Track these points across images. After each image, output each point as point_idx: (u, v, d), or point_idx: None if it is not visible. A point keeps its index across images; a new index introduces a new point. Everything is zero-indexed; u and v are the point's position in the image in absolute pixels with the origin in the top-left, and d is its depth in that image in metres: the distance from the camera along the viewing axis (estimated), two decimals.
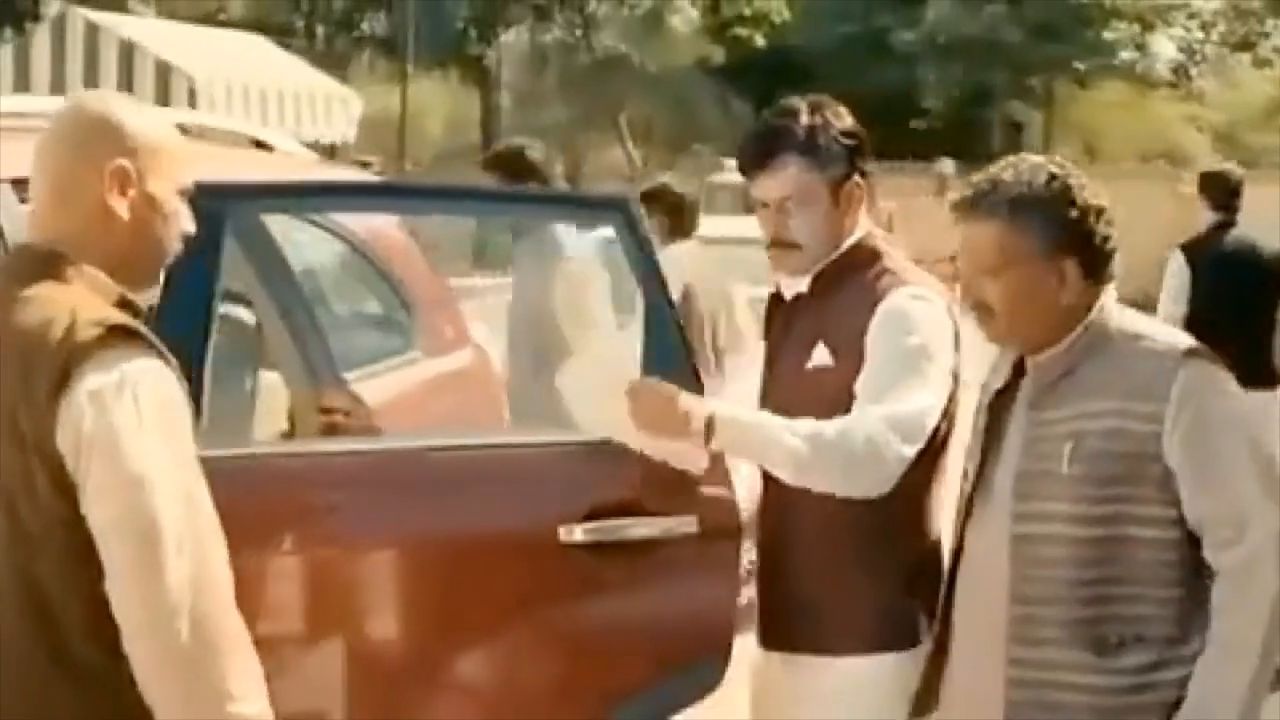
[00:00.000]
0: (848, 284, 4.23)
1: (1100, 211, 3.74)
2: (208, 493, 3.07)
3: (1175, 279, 9.63)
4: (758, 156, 4.24)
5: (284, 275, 5.47)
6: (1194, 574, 3.62)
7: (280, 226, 5.62)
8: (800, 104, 4.28)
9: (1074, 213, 3.70)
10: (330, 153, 19.96)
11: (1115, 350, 3.70)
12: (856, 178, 4.25)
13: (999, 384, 3.88)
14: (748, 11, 40.68)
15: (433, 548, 4.35)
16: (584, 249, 6.11)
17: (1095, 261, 3.73)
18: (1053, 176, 3.74)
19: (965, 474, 3.91)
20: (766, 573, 4.35)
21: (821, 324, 4.23)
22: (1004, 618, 3.71)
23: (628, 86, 37.67)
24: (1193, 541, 3.63)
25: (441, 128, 40.09)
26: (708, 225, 9.32)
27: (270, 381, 5.59)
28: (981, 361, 4.09)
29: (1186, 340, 3.73)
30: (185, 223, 3.34)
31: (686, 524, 4.45)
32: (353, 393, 5.45)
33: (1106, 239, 3.75)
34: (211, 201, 4.34)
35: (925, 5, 38.11)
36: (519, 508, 4.40)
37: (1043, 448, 3.71)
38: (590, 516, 4.39)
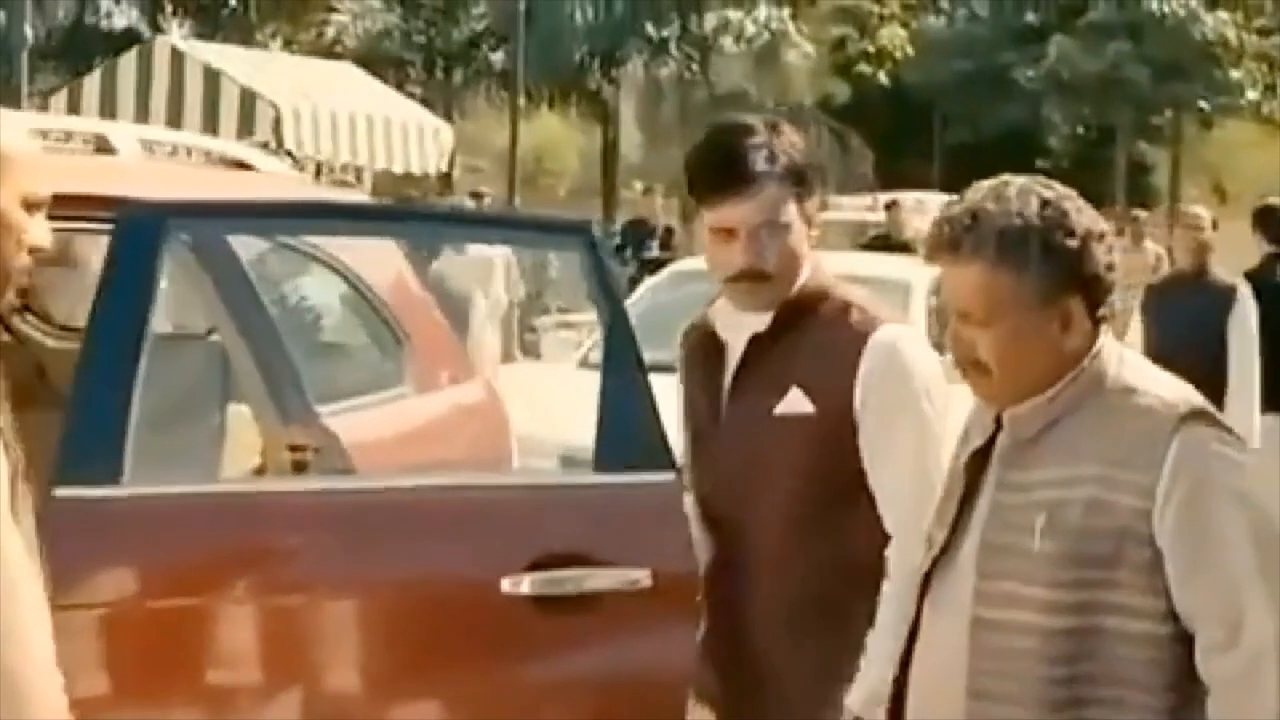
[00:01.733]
0: (812, 320, 3.92)
1: (1102, 236, 3.14)
2: (16, 542, 2.73)
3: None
4: (734, 179, 3.86)
5: (251, 301, 5.16)
6: (1189, 678, 3.05)
7: (256, 252, 5.32)
8: (757, 122, 3.97)
9: (1074, 242, 3.10)
10: (422, 183, 19.77)
11: (1106, 405, 3.12)
12: (814, 200, 3.95)
13: (979, 439, 3.31)
14: (870, 48, 40.29)
15: (362, 598, 4.06)
16: None
17: (1100, 296, 3.15)
18: (1045, 202, 3.12)
19: (930, 540, 3.35)
20: (720, 635, 4.01)
21: (791, 366, 3.90)
22: (960, 716, 3.18)
23: None
24: (1187, 639, 3.06)
25: (561, 162, 39.94)
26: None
27: (240, 414, 5.28)
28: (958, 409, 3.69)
29: (1190, 399, 3.13)
30: (35, 236, 3.00)
31: (639, 576, 4.09)
32: (325, 428, 5.13)
33: (1110, 268, 3.15)
34: (143, 219, 4.12)
35: (1047, 42, 37.57)
36: (459, 556, 4.09)
37: (1011, 517, 3.13)
38: (536, 566, 4.05)
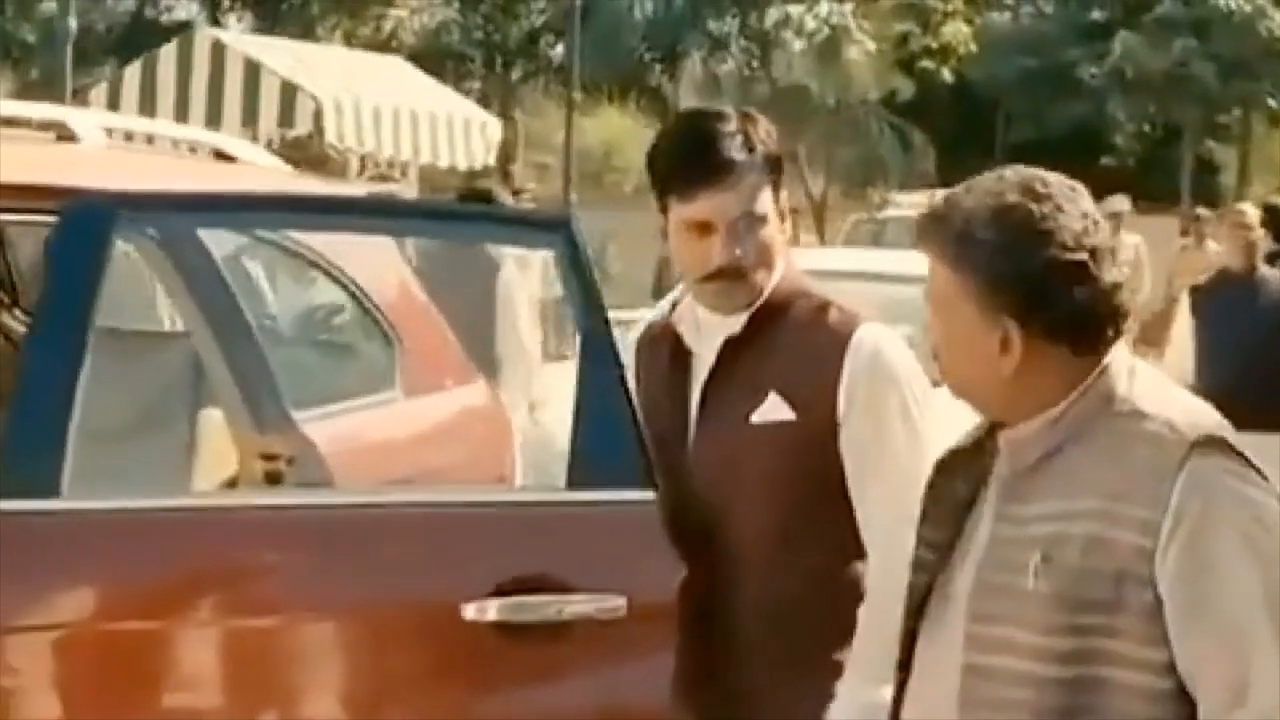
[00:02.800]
0: (788, 321, 3.69)
1: (1077, 265, 2.75)
2: None
3: None
4: (712, 169, 3.62)
5: (224, 299, 4.85)
6: None
7: (231, 247, 5.03)
8: (727, 110, 3.74)
9: (1032, 260, 2.74)
10: (471, 178, 19.48)
11: (1112, 430, 2.78)
12: (784, 193, 3.74)
13: (965, 442, 3.00)
14: (934, 44, 39.92)
15: (309, 625, 3.75)
16: None
17: (1064, 325, 2.78)
18: (1012, 206, 2.76)
19: (917, 562, 2.99)
20: (692, 659, 3.73)
21: (768, 370, 3.67)
22: None
23: (806, 119, 37.02)
24: (1192, 696, 2.73)
25: (628, 158, 39.71)
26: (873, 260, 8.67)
27: (214, 421, 4.98)
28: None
29: (1206, 423, 2.79)
30: None
31: (614, 603, 3.76)
32: (301, 435, 4.82)
33: (1091, 297, 2.77)
34: (86, 211, 3.84)
35: (1112, 39, 37.13)
36: (416, 579, 3.77)
37: (1007, 554, 2.81)
38: (501, 591, 3.72)
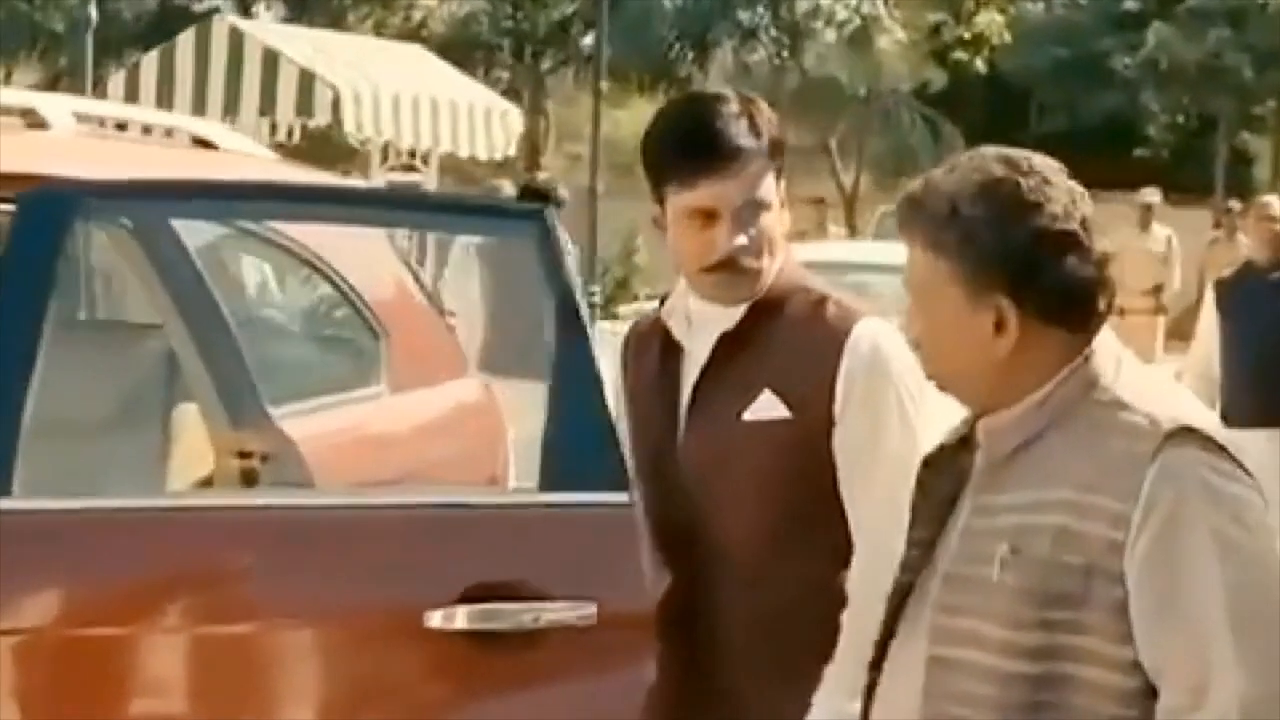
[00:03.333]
0: (785, 316, 3.55)
1: (1068, 235, 2.69)
2: None
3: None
4: (717, 154, 3.47)
5: (197, 290, 4.69)
6: None
7: (210, 239, 4.87)
8: (727, 93, 3.61)
9: (1022, 232, 2.68)
10: (493, 167, 19.34)
11: (1090, 420, 2.70)
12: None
13: (954, 451, 2.90)
14: (967, 35, 39.66)
15: (263, 632, 3.60)
16: None
17: (1054, 301, 2.71)
18: (999, 180, 2.70)
19: (904, 563, 2.90)
20: (677, 669, 3.57)
21: (763, 367, 3.52)
22: None
23: (837, 109, 36.81)
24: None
25: (633, 151, 39.41)
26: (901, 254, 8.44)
27: (190, 416, 4.82)
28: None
29: (1183, 414, 2.69)
30: None
31: (585, 610, 3.58)
32: (278, 432, 4.66)
33: (1082, 268, 2.70)
34: (44, 199, 3.70)
35: (1146, 29, 36.82)
36: (376, 585, 3.60)
37: (977, 546, 2.73)
38: (467, 598, 3.55)
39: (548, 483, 3.67)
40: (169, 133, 5.02)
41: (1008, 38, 38.93)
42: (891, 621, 2.89)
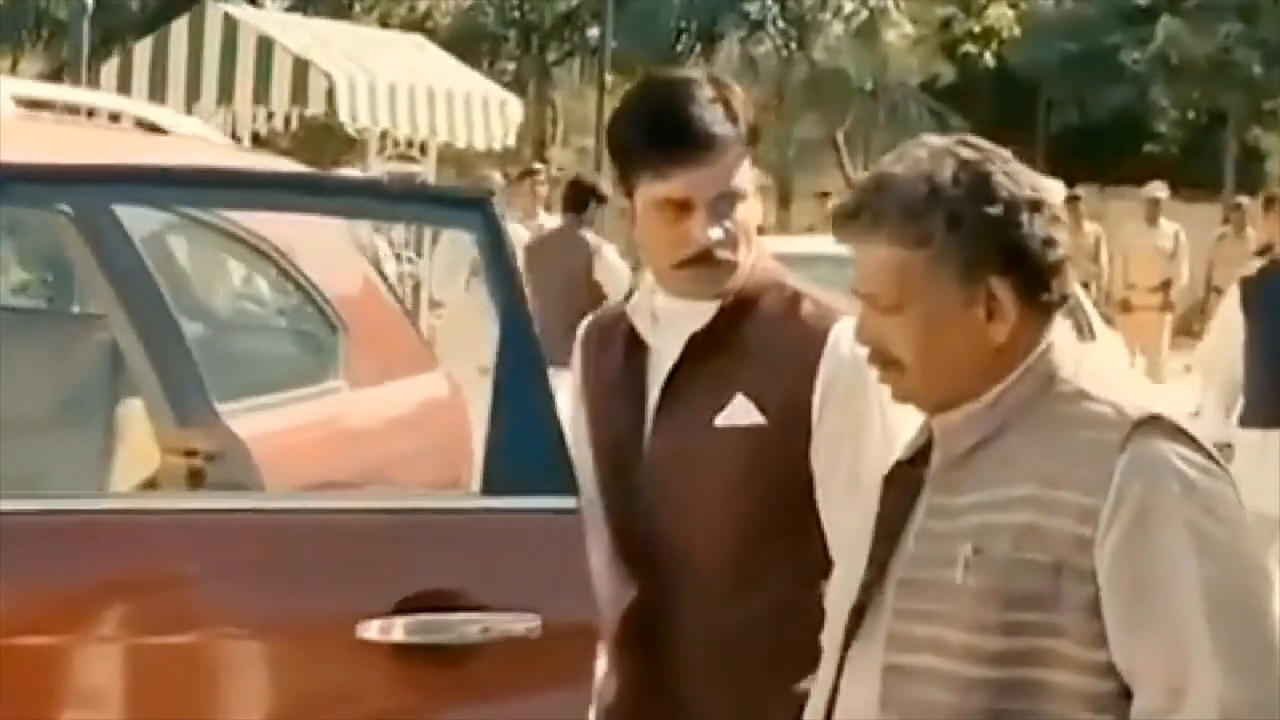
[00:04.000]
0: (759, 314, 3.34)
1: (1037, 205, 2.61)
2: None
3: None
4: (692, 142, 3.25)
5: (142, 280, 4.49)
6: None
7: (156, 227, 4.68)
8: (698, 75, 3.39)
9: (994, 209, 2.58)
10: (491, 158, 19.14)
11: (1052, 413, 2.60)
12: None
13: (908, 453, 2.79)
14: (976, 28, 39.49)
15: (186, 643, 3.39)
16: None
17: (1036, 277, 2.62)
18: (962, 163, 2.61)
19: (864, 583, 2.74)
20: (640, 690, 3.38)
21: (736, 369, 3.31)
22: None
23: (845, 103, 36.67)
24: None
25: None
26: None
27: (134, 412, 4.62)
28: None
29: (1149, 405, 2.58)
30: None
31: (526, 623, 3.38)
32: (226, 429, 4.45)
33: (1050, 244, 2.62)
34: None
35: (1155, 23, 36.63)
36: (306, 594, 3.40)
37: (936, 548, 2.61)
38: (402, 609, 3.35)
39: (490, 486, 3.47)
40: (115, 117, 4.83)
41: (1017, 32, 38.79)
42: (850, 636, 2.74)
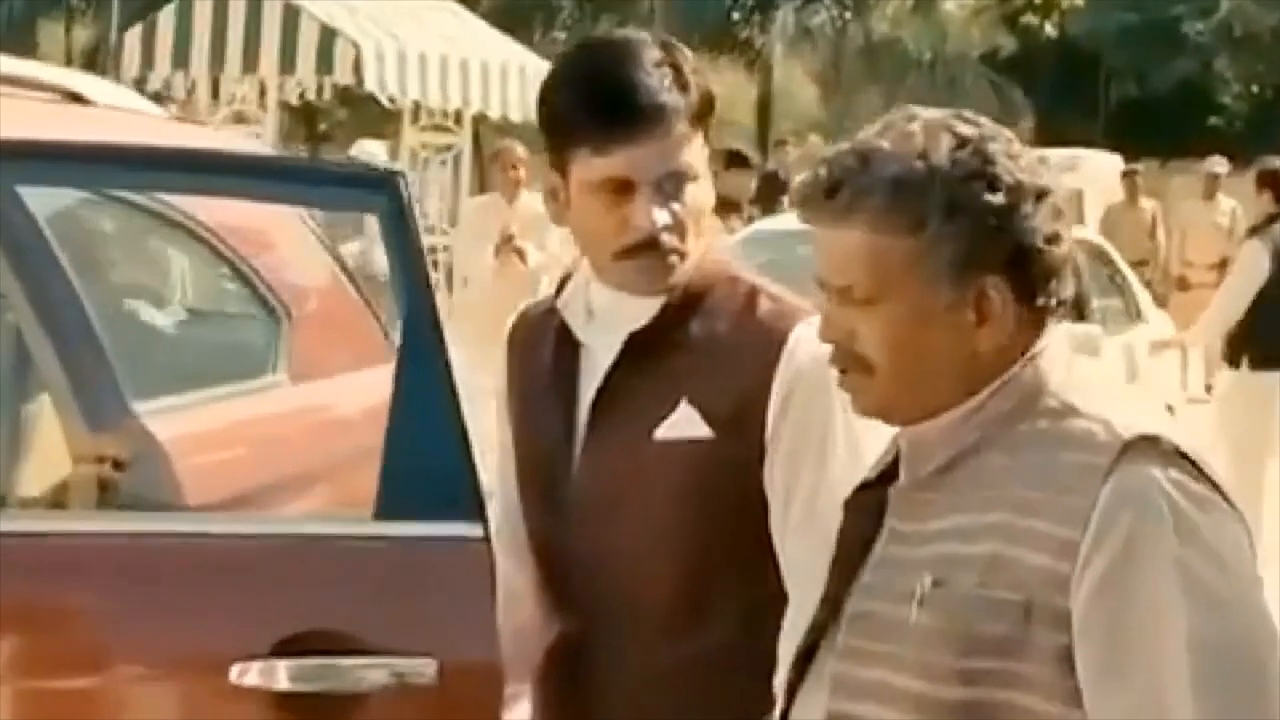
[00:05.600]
0: (708, 311, 2.93)
1: (1042, 194, 2.24)
2: None
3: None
4: (640, 115, 2.83)
5: (46, 264, 4.07)
6: None
7: (68, 204, 4.26)
8: (642, 36, 2.93)
9: (996, 199, 2.21)
10: (528, 130, 18.68)
11: (1032, 431, 2.22)
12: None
13: (874, 473, 2.42)
14: None
15: (47, 685, 2.99)
16: None
17: (1035, 276, 2.25)
18: (961, 141, 2.23)
19: (813, 623, 2.40)
20: None
21: (681, 373, 2.90)
22: None
23: (902, 75, 36.24)
24: None
25: (738, 113, 39.21)
26: None
27: (45, 414, 4.19)
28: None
29: (1144, 422, 2.19)
30: None
31: (421, 667, 2.95)
32: (142, 429, 4.03)
33: (1053, 240, 2.24)
34: None
35: None
36: (174, 632, 2.98)
37: (892, 579, 2.26)
38: (282, 650, 2.93)
39: (384, 510, 3.03)
40: (38, 87, 4.41)
41: (1079, 1, 38.34)
42: (795, 681, 2.43)
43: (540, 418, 2.99)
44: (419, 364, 3.06)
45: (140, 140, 3.89)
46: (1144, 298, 12.80)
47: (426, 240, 15.57)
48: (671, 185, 2.85)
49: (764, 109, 38.50)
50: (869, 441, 2.83)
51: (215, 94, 15.81)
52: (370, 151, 11.37)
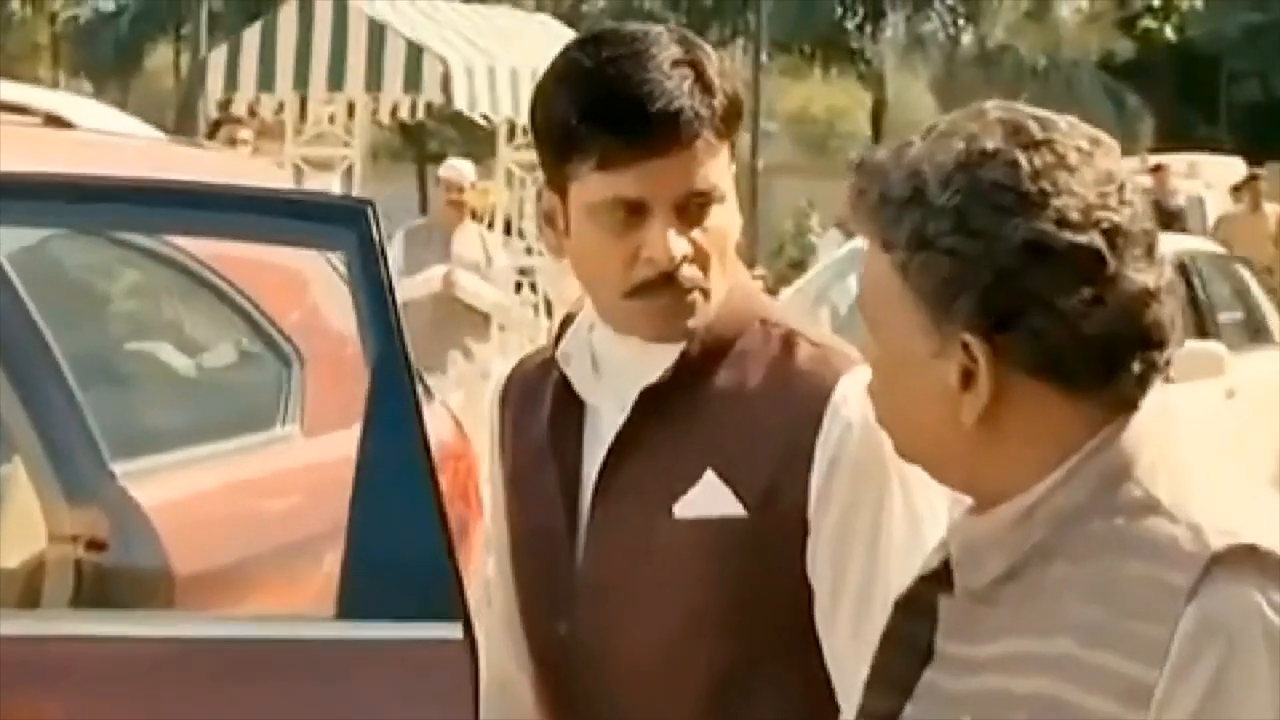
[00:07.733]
0: (736, 362, 2.47)
1: (1078, 249, 1.74)
2: None
3: None
4: (658, 125, 2.33)
5: (13, 311, 3.65)
6: None
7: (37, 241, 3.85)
8: (659, 31, 2.42)
9: (1009, 235, 1.75)
10: None
11: (1107, 534, 1.76)
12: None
13: (927, 569, 1.95)
14: (1156, 1, 38.64)
15: None
16: None
17: (1051, 349, 1.76)
18: (989, 154, 1.75)
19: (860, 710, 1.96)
20: None
21: (704, 437, 2.43)
22: None
23: (1017, 82, 35.96)
24: None
25: (854, 124, 39.03)
26: None
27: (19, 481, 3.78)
28: None
29: (1244, 525, 1.71)
30: None
31: None
32: (121, 495, 3.61)
33: (1107, 304, 1.76)
34: None
35: None
36: None
37: (937, 713, 1.85)
38: None
39: (346, 608, 2.55)
40: (19, 110, 4.03)
41: (1198, 3, 37.95)
42: None
43: (538, 491, 2.50)
44: (388, 430, 2.58)
45: (103, 168, 3.45)
46: (1271, 311, 12.06)
47: (524, 262, 15.12)
48: (693, 209, 2.37)
49: (877, 118, 38.30)
50: (938, 505, 2.37)
51: (303, 114, 15.52)
52: (456, 168, 10.94)
